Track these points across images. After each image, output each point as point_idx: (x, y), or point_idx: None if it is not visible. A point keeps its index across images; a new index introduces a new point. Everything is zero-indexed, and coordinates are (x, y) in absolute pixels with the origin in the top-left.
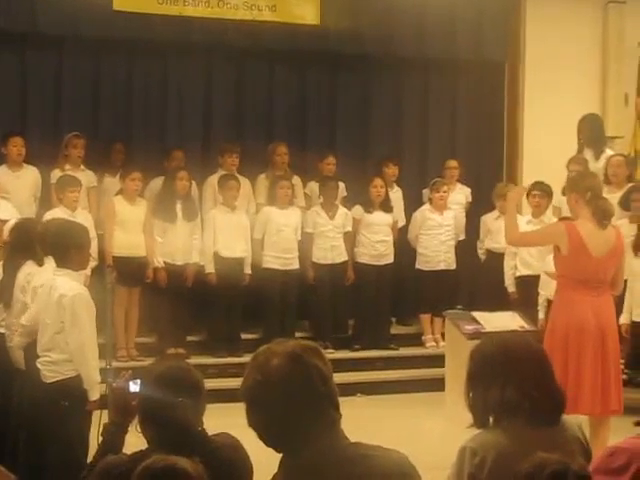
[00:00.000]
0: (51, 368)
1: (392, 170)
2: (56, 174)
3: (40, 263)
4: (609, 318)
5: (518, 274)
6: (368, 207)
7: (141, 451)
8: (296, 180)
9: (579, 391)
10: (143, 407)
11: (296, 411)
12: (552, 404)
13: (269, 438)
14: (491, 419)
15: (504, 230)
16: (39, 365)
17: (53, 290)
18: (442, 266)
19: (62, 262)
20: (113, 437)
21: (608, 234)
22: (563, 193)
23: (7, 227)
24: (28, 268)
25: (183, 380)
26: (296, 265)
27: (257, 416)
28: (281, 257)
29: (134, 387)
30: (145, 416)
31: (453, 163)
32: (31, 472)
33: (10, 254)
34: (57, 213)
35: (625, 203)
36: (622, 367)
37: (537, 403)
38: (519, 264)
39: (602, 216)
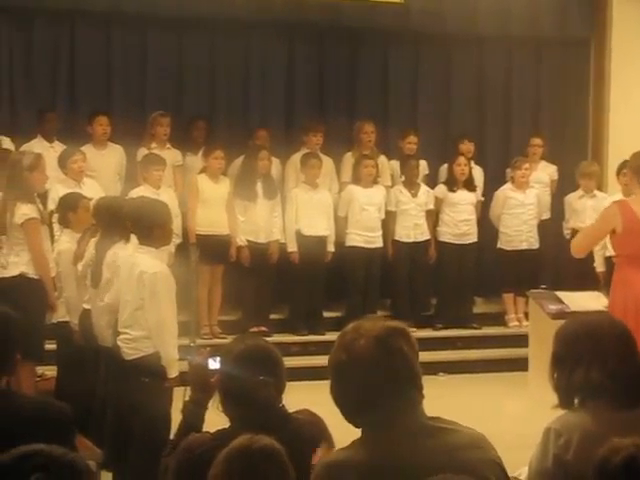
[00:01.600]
0: (131, 345)
1: (467, 147)
2: (142, 152)
3: (127, 241)
4: None
5: (608, 254)
6: (451, 186)
7: (224, 429)
8: (382, 159)
9: None
10: (224, 385)
11: (378, 392)
12: (637, 385)
13: (349, 414)
14: (576, 400)
15: (572, 245)
16: (119, 342)
17: (134, 267)
18: (524, 246)
19: (144, 239)
20: (193, 415)
21: None
22: None
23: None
24: (115, 246)
25: (263, 358)
26: (379, 243)
27: (340, 392)
28: (364, 235)
29: (213, 364)
30: (226, 394)
31: (537, 141)
32: (116, 447)
33: (103, 234)
34: (141, 191)
35: None
36: None
37: (622, 384)
38: (609, 244)
39: None
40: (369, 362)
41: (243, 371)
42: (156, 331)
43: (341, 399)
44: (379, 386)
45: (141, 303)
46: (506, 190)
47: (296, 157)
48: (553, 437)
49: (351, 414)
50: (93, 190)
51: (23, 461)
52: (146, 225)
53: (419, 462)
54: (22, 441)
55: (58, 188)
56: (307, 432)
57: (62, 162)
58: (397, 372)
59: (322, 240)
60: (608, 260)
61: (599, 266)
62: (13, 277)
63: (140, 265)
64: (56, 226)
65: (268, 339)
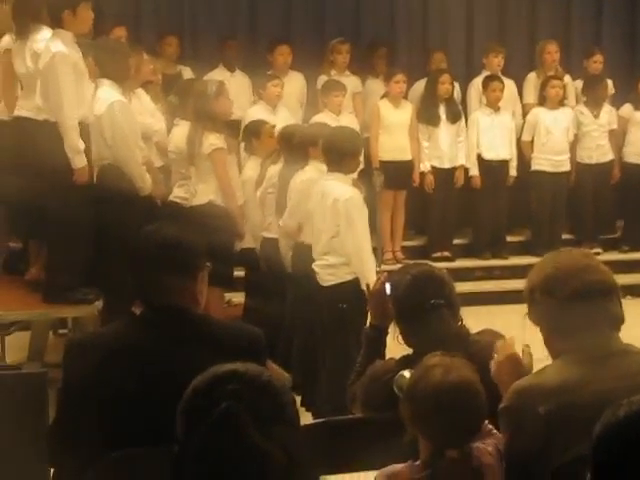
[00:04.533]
0: (329, 271)
1: None
2: (322, 79)
3: (311, 167)
4: None
5: None
6: (638, 104)
7: (408, 355)
8: (567, 79)
9: None
10: (399, 310)
11: (587, 305)
12: None
13: (552, 333)
14: None
15: None
16: (316, 268)
17: (325, 195)
18: None
19: (335, 166)
20: (375, 341)
21: None
22: None
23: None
24: (299, 173)
25: (429, 282)
26: (567, 167)
27: (544, 310)
28: (551, 159)
29: (390, 289)
30: (401, 323)
31: None
32: (305, 371)
33: (287, 160)
34: (322, 118)
35: None
36: None
37: None
38: None
39: None
40: (581, 270)
41: (412, 298)
42: (355, 256)
43: (546, 318)
44: (590, 298)
45: (337, 230)
46: None
47: (477, 80)
48: None
49: (554, 333)
50: (285, 117)
51: (218, 385)
52: (339, 153)
53: (612, 385)
54: (219, 363)
55: (253, 113)
56: (490, 351)
57: (259, 86)
58: (604, 283)
59: (504, 164)
60: None
61: None
62: (201, 205)
63: (332, 193)
64: (243, 154)
65: (451, 264)
